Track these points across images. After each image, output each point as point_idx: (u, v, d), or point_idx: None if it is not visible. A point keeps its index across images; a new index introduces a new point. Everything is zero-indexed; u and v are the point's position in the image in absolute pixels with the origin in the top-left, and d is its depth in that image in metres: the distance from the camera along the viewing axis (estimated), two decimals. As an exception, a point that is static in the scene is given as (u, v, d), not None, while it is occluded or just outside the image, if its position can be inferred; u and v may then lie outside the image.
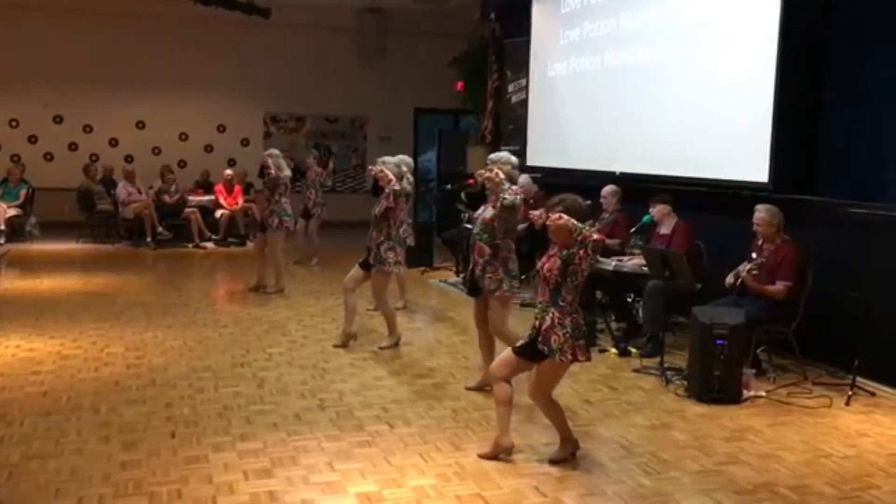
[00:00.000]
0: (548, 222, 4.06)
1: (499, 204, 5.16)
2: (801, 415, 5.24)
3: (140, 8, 13.66)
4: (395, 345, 6.60)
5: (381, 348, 6.56)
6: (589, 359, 4.23)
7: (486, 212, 5.36)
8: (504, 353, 4.39)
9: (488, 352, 5.51)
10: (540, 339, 4.15)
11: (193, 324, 7.38)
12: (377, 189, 6.53)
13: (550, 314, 4.12)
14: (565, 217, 4.01)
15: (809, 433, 4.91)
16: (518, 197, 5.24)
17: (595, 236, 4.00)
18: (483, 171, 5.40)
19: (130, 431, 4.63)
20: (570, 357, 4.10)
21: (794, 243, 5.92)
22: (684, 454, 4.50)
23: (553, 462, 4.30)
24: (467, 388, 5.53)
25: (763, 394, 5.57)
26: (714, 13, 7.27)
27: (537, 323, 4.19)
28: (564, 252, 4.06)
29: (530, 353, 4.22)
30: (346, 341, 6.62)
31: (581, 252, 3.99)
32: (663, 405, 5.37)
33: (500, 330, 5.40)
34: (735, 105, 6.97)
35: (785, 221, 5.98)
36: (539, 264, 4.27)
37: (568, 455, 4.35)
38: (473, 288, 5.44)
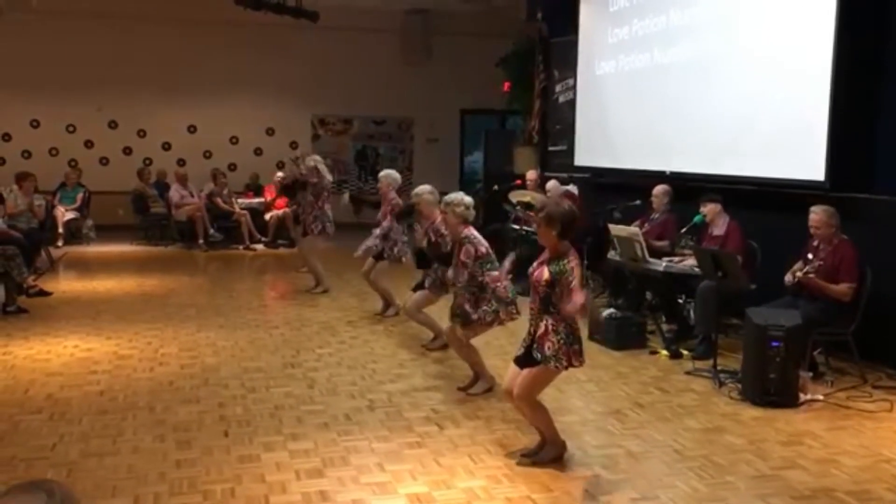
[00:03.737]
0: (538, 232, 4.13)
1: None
2: (860, 419, 5.11)
3: (190, 14, 13.92)
4: (445, 346, 6.59)
5: (424, 346, 6.58)
6: (583, 363, 4.18)
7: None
8: (511, 369, 4.36)
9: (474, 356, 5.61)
10: (535, 346, 4.14)
11: (245, 325, 7.48)
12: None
13: (545, 322, 4.10)
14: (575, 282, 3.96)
15: (869, 437, 4.78)
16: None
17: (574, 280, 3.94)
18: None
19: (185, 430, 4.71)
20: (564, 364, 4.08)
21: (852, 243, 5.76)
22: (739, 458, 4.41)
23: (536, 463, 4.24)
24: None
25: (820, 397, 5.44)
26: (767, 6, 7.13)
27: (532, 330, 4.19)
28: (554, 267, 4.04)
29: (527, 360, 4.19)
30: (439, 346, 6.61)
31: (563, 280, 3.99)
32: (717, 408, 5.28)
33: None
34: (789, 101, 6.82)
35: (841, 220, 5.83)
36: (529, 270, 4.23)
37: (555, 457, 4.29)
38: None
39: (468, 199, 5.48)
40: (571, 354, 4.08)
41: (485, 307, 5.27)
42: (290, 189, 10.88)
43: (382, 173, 7.91)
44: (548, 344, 4.07)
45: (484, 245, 5.29)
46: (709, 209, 6.84)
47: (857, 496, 3.96)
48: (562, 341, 4.05)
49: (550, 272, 4.05)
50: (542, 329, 4.11)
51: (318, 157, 9.14)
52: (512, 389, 4.29)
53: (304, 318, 7.77)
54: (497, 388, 5.49)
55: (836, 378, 5.85)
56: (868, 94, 6.34)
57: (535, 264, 4.21)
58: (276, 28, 13.25)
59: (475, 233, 5.39)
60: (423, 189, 6.45)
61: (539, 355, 4.10)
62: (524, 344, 4.24)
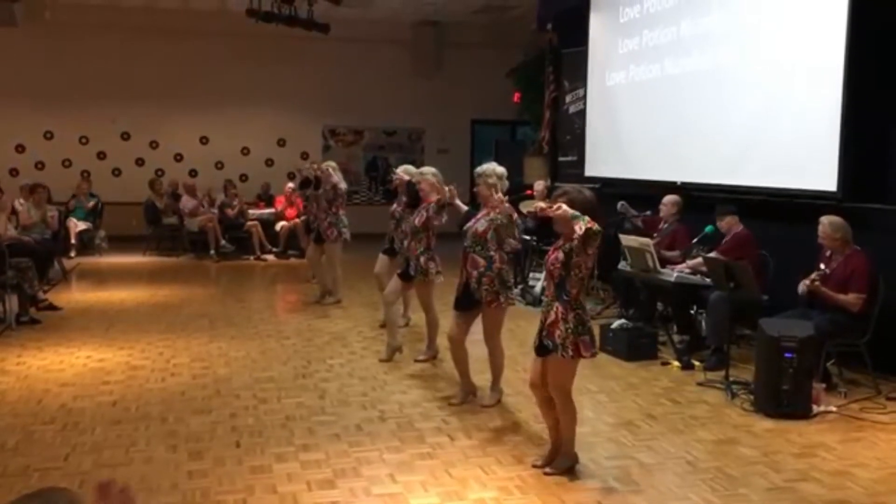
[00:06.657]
0: (549, 213, 4.05)
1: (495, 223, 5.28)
2: (874, 430, 5.07)
3: (203, 26, 14.03)
4: (434, 357, 6.59)
5: (417, 361, 6.55)
6: (594, 355, 4.18)
7: (478, 224, 5.36)
8: (533, 360, 4.38)
9: (464, 365, 5.55)
10: (545, 333, 4.16)
11: (256, 335, 7.50)
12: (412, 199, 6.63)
13: (555, 309, 4.12)
14: (564, 207, 3.97)
15: (883, 449, 4.75)
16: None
17: (588, 225, 3.89)
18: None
19: (196, 441, 4.72)
20: (570, 353, 4.07)
21: (864, 254, 5.73)
22: (753, 470, 4.39)
23: (548, 472, 4.24)
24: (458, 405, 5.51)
25: (834, 409, 5.40)
26: (779, 18, 7.12)
27: (543, 318, 4.20)
28: (567, 244, 4.06)
29: (542, 349, 4.22)
30: (391, 355, 6.59)
31: (577, 242, 3.95)
32: (729, 420, 5.25)
33: (493, 340, 5.45)
34: (801, 111, 6.80)
35: (853, 231, 5.79)
36: (546, 258, 4.26)
37: (567, 468, 4.27)
38: (465, 300, 5.37)
39: (500, 170, 5.42)
40: (580, 344, 4.08)
41: (486, 287, 5.28)
42: (305, 185, 10.81)
43: (400, 169, 7.83)
44: (557, 332, 4.09)
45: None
46: (726, 221, 6.81)
47: (872, 509, 3.94)
48: (570, 330, 4.07)
49: (564, 252, 4.06)
50: (552, 317, 4.13)
51: (332, 164, 9.21)
52: (536, 381, 4.32)
53: (315, 329, 7.78)
54: (505, 400, 5.50)
55: (850, 389, 5.81)
56: (881, 103, 6.31)
57: (550, 250, 4.23)
58: (287, 40, 13.31)
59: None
60: (427, 170, 6.51)
61: (549, 343, 4.12)
62: (539, 331, 4.25)
